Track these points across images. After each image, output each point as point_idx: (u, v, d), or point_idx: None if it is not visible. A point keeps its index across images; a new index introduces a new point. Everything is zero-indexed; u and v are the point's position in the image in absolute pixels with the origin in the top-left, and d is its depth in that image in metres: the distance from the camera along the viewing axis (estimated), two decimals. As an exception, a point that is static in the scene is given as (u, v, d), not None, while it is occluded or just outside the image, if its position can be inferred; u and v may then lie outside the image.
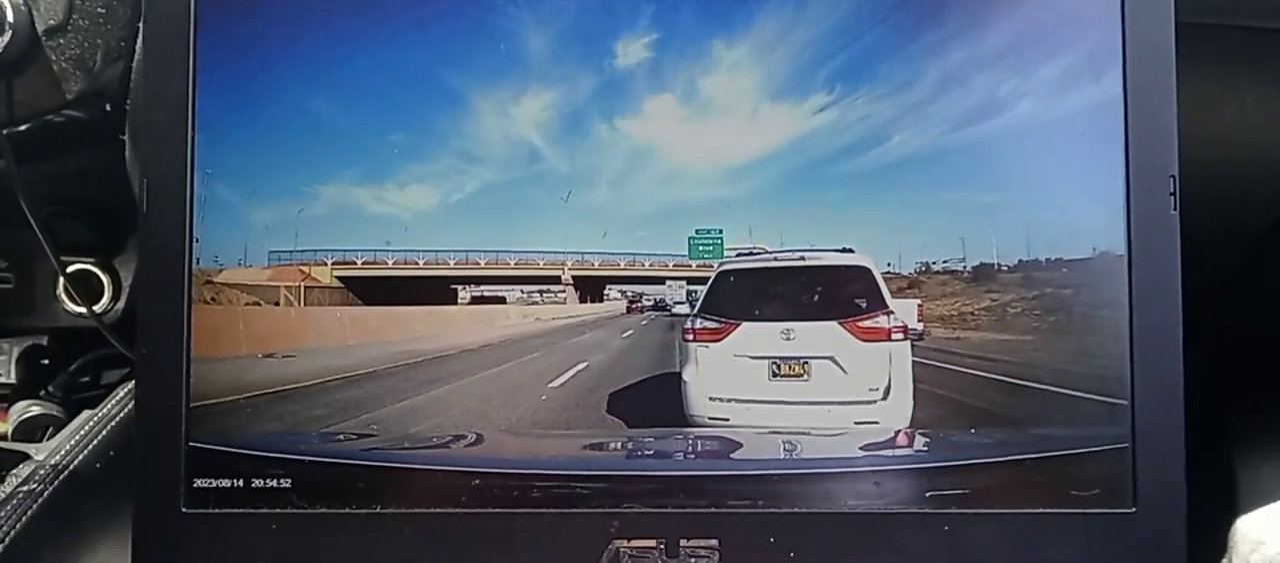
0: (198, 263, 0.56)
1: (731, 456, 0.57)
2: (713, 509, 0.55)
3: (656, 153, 0.57)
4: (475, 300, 0.63)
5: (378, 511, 0.55)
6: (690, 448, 0.58)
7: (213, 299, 0.57)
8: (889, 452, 0.56)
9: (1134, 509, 0.54)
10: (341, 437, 0.57)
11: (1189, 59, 0.54)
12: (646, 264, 0.60)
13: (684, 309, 0.62)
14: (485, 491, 0.55)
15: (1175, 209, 0.54)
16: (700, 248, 0.58)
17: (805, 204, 0.57)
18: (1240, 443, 0.64)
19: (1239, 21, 0.59)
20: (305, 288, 0.60)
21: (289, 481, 0.56)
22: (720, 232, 0.57)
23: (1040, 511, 0.54)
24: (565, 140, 0.57)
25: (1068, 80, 0.55)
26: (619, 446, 0.58)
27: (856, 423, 0.57)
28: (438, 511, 0.55)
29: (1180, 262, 0.54)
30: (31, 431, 0.70)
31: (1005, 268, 0.56)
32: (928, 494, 0.55)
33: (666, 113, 0.56)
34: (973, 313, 0.57)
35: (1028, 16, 0.55)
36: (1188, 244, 0.54)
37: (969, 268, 0.56)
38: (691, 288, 0.61)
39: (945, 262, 0.56)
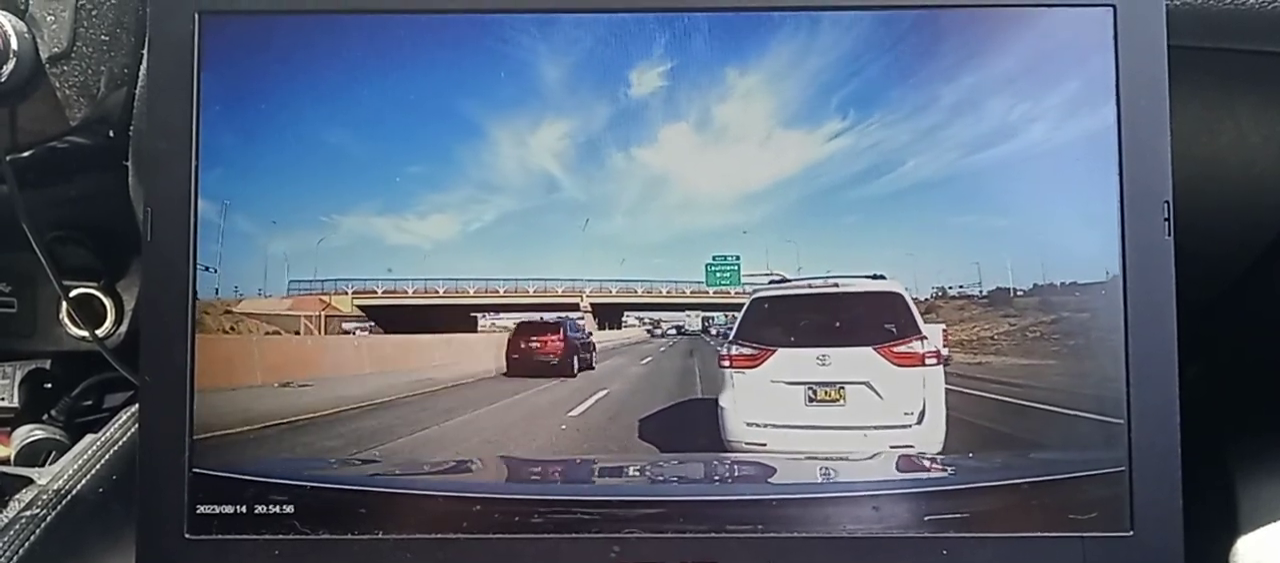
0: (216, 293, 0.56)
1: (732, 481, 0.57)
2: (712, 534, 0.55)
3: (672, 180, 0.57)
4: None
5: (380, 536, 0.56)
6: (696, 473, 0.58)
7: (232, 329, 0.57)
8: (886, 476, 0.57)
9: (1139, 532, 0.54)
10: (344, 463, 0.57)
11: (1186, 83, 0.55)
12: (664, 291, 0.60)
13: (693, 327, 0.62)
14: (486, 516, 0.55)
15: (1169, 234, 0.54)
16: (717, 275, 0.58)
17: (821, 230, 0.57)
18: (1238, 464, 0.65)
19: (1236, 45, 0.60)
20: (325, 317, 0.60)
21: (292, 507, 0.56)
22: (737, 258, 0.57)
23: (1038, 534, 0.55)
24: (582, 169, 0.57)
25: (1068, 106, 0.55)
26: (620, 471, 0.58)
27: (892, 447, 0.57)
28: (439, 536, 0.55)
29: (1176, 284, 0.54)
30: (34, 455, 0.70)
31: (1020, 292, 0.56)
32: (926, 518, 0.55)
33: (681, 140, 0.56)
34: (991, 337, 0.57)
35: (1027, 44, 0.55)
36: (1185, 264, 0.54)
37: (985, 292, 0.57)
38: (707, 315, 0.61)
39: (961, 286, 0.57)
